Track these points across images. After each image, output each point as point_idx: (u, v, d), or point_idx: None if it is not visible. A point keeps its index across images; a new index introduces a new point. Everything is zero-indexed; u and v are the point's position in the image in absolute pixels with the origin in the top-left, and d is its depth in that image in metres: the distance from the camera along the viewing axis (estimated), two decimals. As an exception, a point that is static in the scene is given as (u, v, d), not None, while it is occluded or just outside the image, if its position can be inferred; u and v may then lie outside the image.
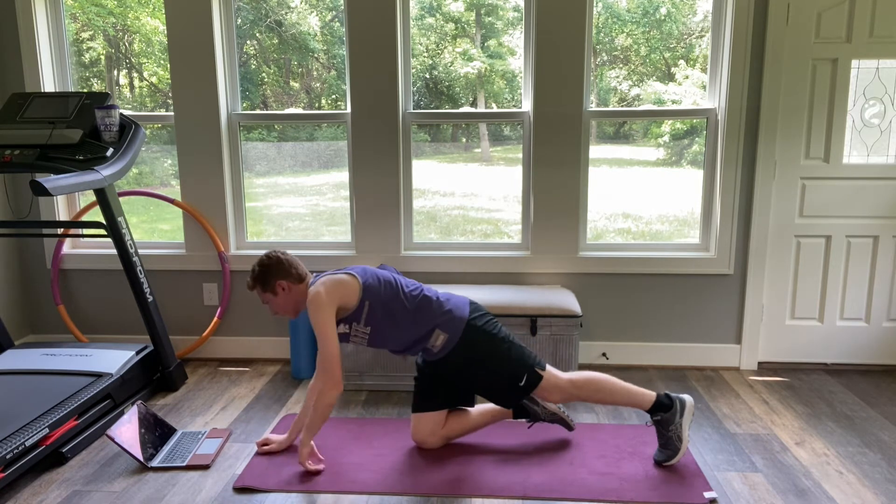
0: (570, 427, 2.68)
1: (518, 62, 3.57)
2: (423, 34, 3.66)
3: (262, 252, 3.61)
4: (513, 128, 3.65)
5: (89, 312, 3.76)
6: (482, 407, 2.68)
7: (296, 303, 2.54)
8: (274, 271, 2.49)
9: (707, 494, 2.29)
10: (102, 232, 3.39)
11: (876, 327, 3.50)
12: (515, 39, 3.65)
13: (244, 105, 3.63)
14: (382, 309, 2.46)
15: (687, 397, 2.52)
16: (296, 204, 3.82)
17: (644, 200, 3.70)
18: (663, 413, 2.48)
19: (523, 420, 2.73)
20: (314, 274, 2.61)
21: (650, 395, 2.50)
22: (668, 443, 2.48)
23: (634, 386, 2.54)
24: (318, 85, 3.90)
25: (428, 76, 3.69)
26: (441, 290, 3.15)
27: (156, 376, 3.25)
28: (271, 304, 2.53)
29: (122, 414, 2.91)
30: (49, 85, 3.56)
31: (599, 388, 2.49)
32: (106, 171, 2.85)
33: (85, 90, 3.70)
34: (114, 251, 3.63)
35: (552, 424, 2.80)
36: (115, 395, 2.92)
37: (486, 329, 2.50)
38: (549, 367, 2.52)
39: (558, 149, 3.41)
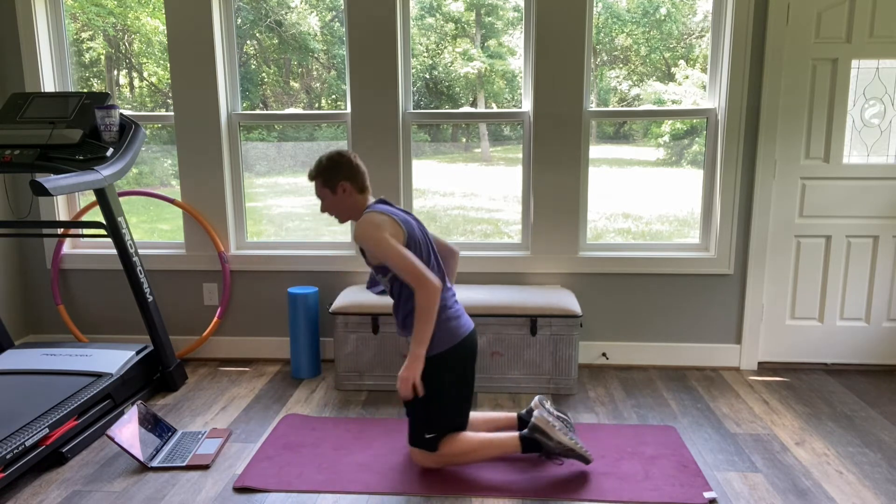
0: (587, 461, 2.42)
1: (518, 62, 3.57)
2: (423, 34, 3.66)
3: (262, 252, 3.62)
4: (513, 128, 3.65)
5: (89, 312, 3.76)
6: (486, 436, 2.48)
7: (348, 210, 2.45)
8: (341, 170, 2.40)
9: (707, 494, 2.29)
10: (102, 232, 3.39)
11: (876, 327, 3.50)
12: (515, 39, 3.65)
13: (244, 105, 3.63)
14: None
15: (537, 417, 2.43)
16: (296, 204, 3.82)
17: (644, 200, 3.70)
18: (539, 449, 2.44)
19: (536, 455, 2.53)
20: (374, 202, 2.49)
21: (514, 438, 2.44)
22: (568, 454, 2.42)
23: (495, 435, 2.46)
24: (318, 85, 3.90)
25: (428, 76, 3.69)
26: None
27: (156, 376, 3.25)
28: (325, 201, 2.45)
29: (122, 414, 2.91)
30: (49, 85, 3.56)
31: (464, 452, 2.42)
32: (106, 171, 2.85)
33: (85, 90, 3.70)
34: (114, 251, 3.63)
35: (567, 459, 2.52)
36: (115, 395, 2.92)
37: (458, 365, 2.39)
38: (445, 446, 2.41)
39: (558, 149, 3.41)
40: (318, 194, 2.46)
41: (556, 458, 2.47)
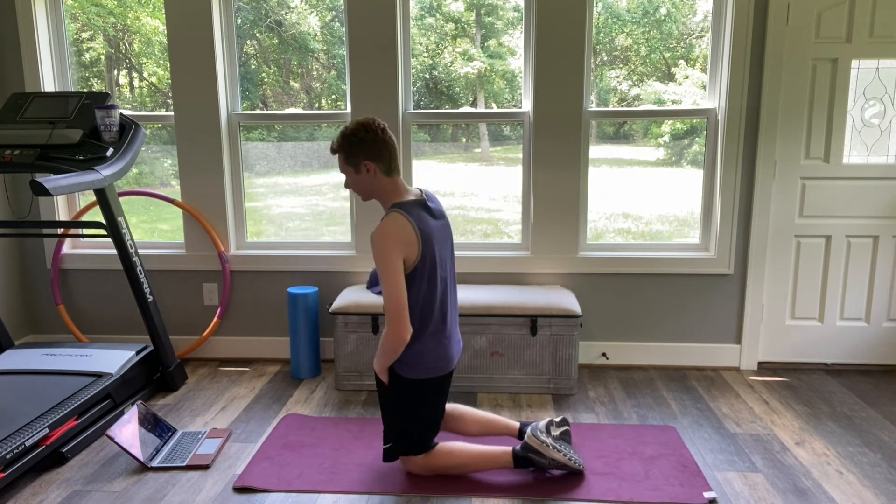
0: (579, 470, 2.41)
1: (518, 62, 3.57)
2: (423, 34, 3.66)
3: (262, 252, 3.62)
4: (513, 128, 3.65)
5: (89, 312, 3.76)
6: (476, 447, 2.43)
7: (372, 191, 2.26)
8: (366, 148, 2.18)
9: (707, 494, 2.29)
10: (102, 232, 3.39)
11: (876, 327, 3.50)
12: (515, 39, 3.65)
13: (244, 105, 3.63)
14: (415, 287, 2.24)
15: (529, 437, 2.36)
16: (296, 204, 3.82)
17: (644, 200, 3.70)
18: (532, 465, 2.39)
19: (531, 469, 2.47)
20: (410, 189, 2.31)
21: (507, 454, 2.38)
22: (561, 468, 2.39)
23: (488, 450, 2.39)
24: (318, 85, 3.90)
25: (428, 76, 3.69)
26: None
27: (156, 376, 3.25)
28: (347, 175, 2.27)
29: (122, 414, 2.91)
30: (49, 85, 3.56)
31: (455, 466, 2.38)
32: (106, 171, 2.85)
33: (85, 90, 3.70)
34: (114, 251, 3.63)
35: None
36: (115, 395, 2.92)
37: (433, 394, 2.33)
38: (424, 455, 2.36)
39: (558, 149, 3.41)
40: (342, 170, 2.28)
41: (549, 471, 2.45)
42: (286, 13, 3.68)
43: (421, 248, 2.19)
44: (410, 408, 2.33)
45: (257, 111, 3.67)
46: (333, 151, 2.26)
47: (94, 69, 3.80)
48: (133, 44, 3.84)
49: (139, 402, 2.68)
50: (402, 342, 2.18)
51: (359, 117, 2.32)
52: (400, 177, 2.29)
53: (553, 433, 2.40)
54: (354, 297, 3.27)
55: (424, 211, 2.26)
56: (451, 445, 2.41)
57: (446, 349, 2.33)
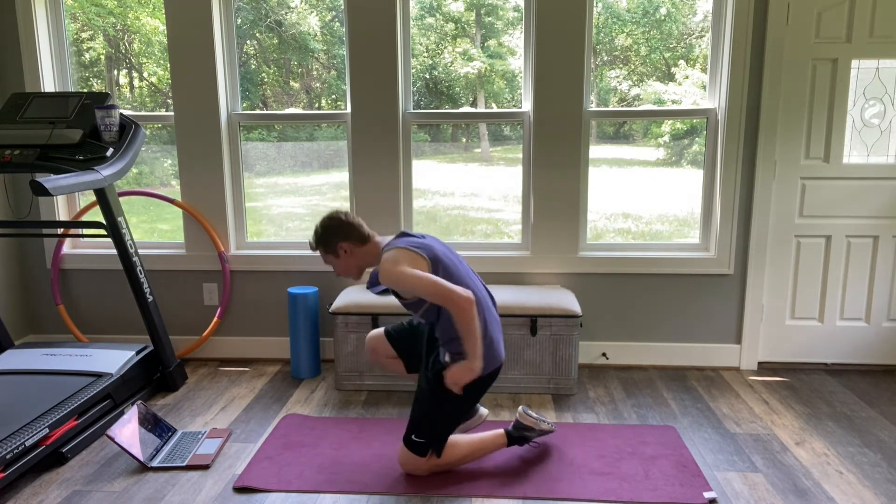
0: (553, 430, 2.62)
1: (518, 62, 3.57)
2: (423, 34, 3.66)
3: (262, 252, 3.62)
4: (513, 128, 3.65)
5: (89, 312, 3.76)
6: (474, 437, 2.52)
7: (358, 266, 2.46)
8: (335, 233, 2.41)
9: (707, 494, 2.29)
10: (102, 232, 3.39)
11: (876, 327, 3.50)
12: (515, 39, 3.65)
13: (244, 105, 3.63)
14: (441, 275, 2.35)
15: (521, 415, 2.54)
16: (296, 204, 3.82)
17: (644, 200, 3.70)
18: (524, 442, 2.55)
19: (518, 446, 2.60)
20: (387, 237, 2.51)
21: (500, 436, 2.51)
22: (544, 434, 2.58)
23: (481, 437, 2.49)
24: (318, 85, 3.90)
25: (428, 76, 3.69)
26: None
27: (156, 376, 3.25)
28: (334, 266, 2.47)
29: (122, 414, 2.91)
30: (49, 85, 3.56)
31: (452, 462, 2.45)
32: (106, 171, 2.85)
33: (85, 90, 3.70)
34: (114, 251, 3.63)
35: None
36: (115, 395, 2.92)
37: (475, 390, 2.39)
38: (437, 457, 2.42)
39: (558, 149, 3.41)
40: (325, 261, 2.49)
41: (533, 441, 2.62)
42: (286, 13, 3.68)
43: (427, 257, 2.33)
44: (456, 407, 2.39)
45: (257, 111, 3.67)
46: (313, 248, 2.48)
47: (94, 69, 3.80)
48: (133, 44, 3.84)
49: (139, 402, 2.68)
50: (468, 303, 2.18)
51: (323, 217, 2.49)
52: (374, 236, 2.46)
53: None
54: (354, 297, 3.27)
55: (407, 236, 2.46)
56: (452, 439, 2.48)
57: (493, 347, 2.39)
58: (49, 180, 2.51)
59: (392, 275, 2.25)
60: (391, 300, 3.20)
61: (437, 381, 2.37)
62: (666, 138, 3.74)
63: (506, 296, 3.24)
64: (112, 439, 2.46)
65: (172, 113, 3.52)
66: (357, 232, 2.43)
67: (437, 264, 2.34)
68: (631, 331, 3.57)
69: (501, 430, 2.54)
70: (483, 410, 2.71)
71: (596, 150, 3.54)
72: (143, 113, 3.70)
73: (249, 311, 3.69)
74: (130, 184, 3.83)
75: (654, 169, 3.72)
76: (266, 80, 3.82)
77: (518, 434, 2.52)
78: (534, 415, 2.57)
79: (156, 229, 3.94)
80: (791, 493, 2.33)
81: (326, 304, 3.64)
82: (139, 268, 3.13)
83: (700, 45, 3.52)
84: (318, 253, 2.46)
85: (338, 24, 3.70)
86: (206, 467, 2.52)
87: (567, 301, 3.20)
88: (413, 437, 2.39)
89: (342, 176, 3.70)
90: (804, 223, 3.43)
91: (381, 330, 2.70)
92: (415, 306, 2.39)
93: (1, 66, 3.55)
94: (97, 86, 3.77)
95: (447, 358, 2.36)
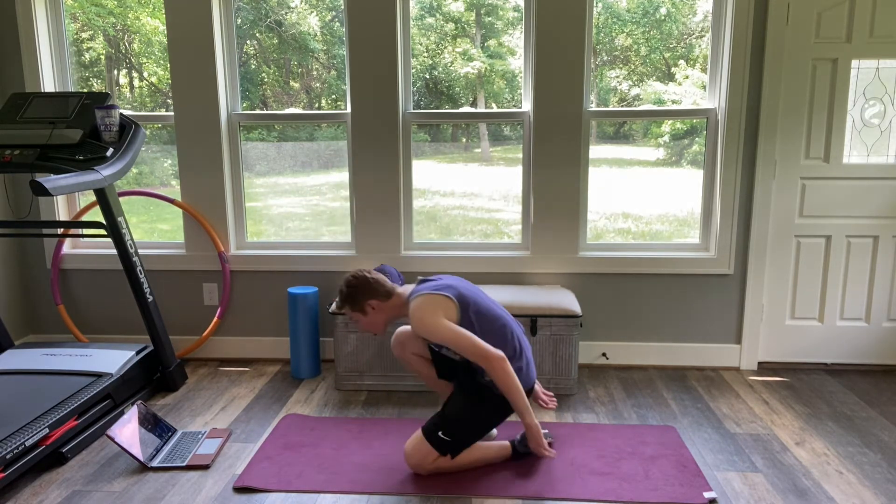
0: (551, 442, 2.67)
1: (518, 62, 3.57)
2: (423, 34, 3.66)
3: (262, 252, 3.62)
4: (513, 128, 3.65)
5: (89, 312, 3.76)
6: (482, 445, 2.52)
7: (385, 320, 2.55)
8: (363, 291, 2.49)
9: (707, 494, 2.29)
10: (102, 232, 3.39)
11: (876, 327, 3.50)
12: (515, 39, 3.65)
13: (244, 105, 3.63)
14: (474, 329, 2.43)
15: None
16: (296, 204, 3.82)
17: (644, 200, 3.70)
18: (528, 455, 2.56)
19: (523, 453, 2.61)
20: (408, 286, 2.58)
21: (506, 448, 2.53)
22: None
23: (490, 444, 2.52)
24: (318, 85, 3.90)
25: (428, 76, 3.69)
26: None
27: (156, 376, 3.25)
28: (360, 323, 2.54)
29: (122, 414, 2.91)
30: (49, 85, 3.56)
31: (459, 466, 2.46)
32: (106, 171, 2.85)
33: (85, 90, 3.70)
34: (114, 251, 3.63)
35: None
36: (115, 395, 2.92)
37: (507, 410, 2.48)
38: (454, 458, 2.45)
39: (558, 149, 3.41)
40: (352, 318, 2.55)
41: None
42: (286, 13, 3.68)
43: (457, 303, 2.40)
44: (486, 420, 2.47)
45: (257, 111, 3.67)
46: (339, 309, 2.54)
47: (94, 69, 3.80)
48: (133, 44, 3.84)
49: (139, 402, 2.68)
50: (500, 362, 2.31)
51: (344, 277, 2.55)
52: (396, 288, 2.54)
53: None
54: (354, 297, 3.27)
55: (425, 281, 2.52)
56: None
57: (523, 371, 2.48)
58: (49, 180, 2.51)
59: (425, 326, 2.34)
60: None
61: (477, 395, 2.44)
62: (666, 138, 3.74)
63: (506, 296, 3.24)
64: (112, 439, 2.46)
65: (172, 113, 3.52)
66: (382, 288, 2.50)
67: (466, 303, 2.42)
68: (631, 331, 3.57)
69: (508, 443, 2.55)
70: (493, 430, 2.73)
71: (596, 150, 3.54)
72: (143, 113, 3.70)
73: (249, 311, 3.69)
74: (130, 184, 3.83)
75: (654, 169, 3.72)
76: (266, 80, 3.82)
77: (524, 450, 2.54)
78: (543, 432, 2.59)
79: (156, 229, 3.94)
80: (791, 493, 2.33)
81: (326, 304, 3.64)
82: (139, 268, 3.13)
83: (700, 45, 3.52)
84: (343, 313, 2.59)
85: (338, 24, 3.70)
86: (206, 467, 2.52)
87: (567, 301, 3.20)
88: (441, 433, 2.41)
89: (342, 176, 3.70)
90: (804, 223, 3.43)
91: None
92: (445, 346, 2.46)
93: (1, 66, 3.55)
94: (97, 86, 3.77)
95: (487, 378, 2.43)
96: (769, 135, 3.32)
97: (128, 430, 2.54)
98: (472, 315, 2.41)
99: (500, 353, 2.32)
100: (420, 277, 2.59)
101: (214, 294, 3.67)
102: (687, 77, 3.58)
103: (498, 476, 2.43)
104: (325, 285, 3.61)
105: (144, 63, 3.88)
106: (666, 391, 3.23)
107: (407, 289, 2.56)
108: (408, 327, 2.74)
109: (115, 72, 3.86)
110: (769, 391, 3.23)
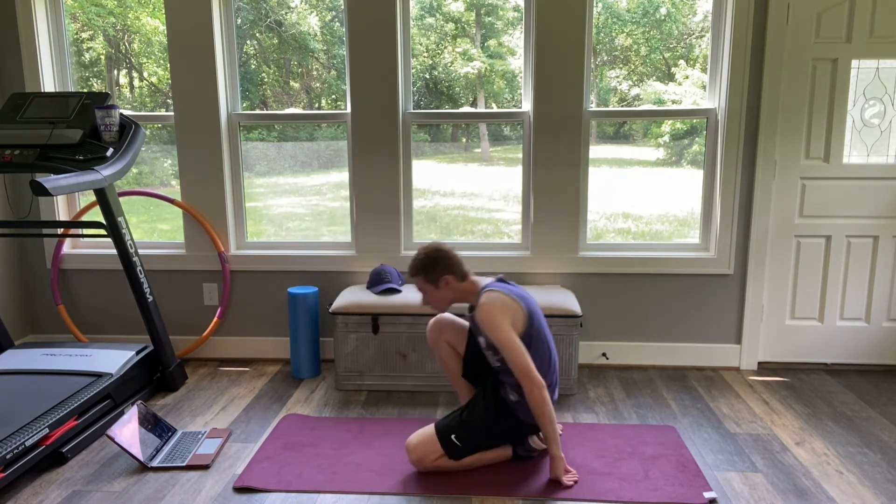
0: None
1: (518, 62, 3.57)
2: (423, 34, 3.66)
3: (262, 252, 3.62)
4: (513, 128, 3.65)
5: (89, 312, 3.76)
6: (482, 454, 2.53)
7: (453, 300, 2.52)
8: (443, 265, 2.45)
9: (707, 494, 2.29)
10: (102, 232, 3.39)
11: (876, 327, 3.50)
12: (515, 39, 3.65)
13: (244, 105, 3.63)
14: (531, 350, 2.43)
15: (532, 439, 2.56)
16: (296, 204, 3.82)
17: (644, 200, 3.70)
18: (528, 459, 2.57)
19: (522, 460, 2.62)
20: (484, 278, 2.56)
21: (508, 452, 2.54)
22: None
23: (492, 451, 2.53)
24: (318, 85, 3.90)
25: (428, 76, 3.69)
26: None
27: (156, 376, 3.25)
28: (428, 295, 2.51)
29: (122, 414, 2.91)
30: (49, 85, 3.56)
31: (470, 461, 2.48)
32: (106, 171, 2.85)
33: (85, 90, 3.70)
34: (114, 251, 3.63)
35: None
36: (115, 395, 2.92)
37: (526, 432, 2.51)
38: (460, 461, 2.47)
39: (558, 149, 3.41)
40: (420, 289, 2.52)
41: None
42: (286, 13, 3.68)
43: (526, 313, 2.40)
44: (501, 435, 2.49)
45: (257, 111, 3.67)
46: (412, 275, 2.49)
47: (94, 69, 3.80)
48: (133, 44, 3.84)
49: (139, 402, 2.68)
50: (540, 391, 2.32)
51: (423, 246, 2.52)
52: (471, 274, 2.51)
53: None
54: (354, 297, 3.27)
55: (503, 282, 2.50)
56: None
57: (557, 382, 2.54)
58: (49, 180, 2.51)
59: (490, 321, 2.33)
60: (392, 300, 3.20)
61: (499, 408, 2.46)
62: (666, 138, 3.74)
63: (506, 296, 3.24)
64: (112, 439, 2.46)
65: (172, 113, 3.52)
66: (459, 268, 2.48)
67: (533, 318, 2.42)
68: (631, 331, 3.57)
69: (510, 446, 2.55)
70: None
71: (596, 150, 3.54)
72: (143, 113, 3.70)
73: (249, 311, 3.69)
74: (130, 184, 3.83)
75: (654, 169, 3.72)
76: (266, 80, 3.82)
77: (525, 454, 2.54)
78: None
79: (156, 229, 3.94)
80: (791, 493, 2.33)
81: (326, 304, 3.64)
82: (139, 268, 3.13)
83: (700, 45, 3.52)
84: (412, 281, 2.55)
85: (338, 24, 3.70)
86: (206, 467, 2.52)
87: (567, 301, 3.20)
88: (454, 436, 2.42)
89: (342, 176, 3.70)
90: (804, 223, 3.43)
91: (459, 318, 2.71)
92: (492, 350, 2.45)
93: (1, 66, 3.55)
94: (97, 86, 3.77)
95: (513, 397, 2.44)
96: (769, 135, 3.32)
97: (128, 430, 2.54)
98: (533, 334, 2.41)
99: (542, 380, 2.32)
100: (500, 276, 2.58)
101: (214, 294, 3.67)
102: (687, 77, 3.58)
103: (498, 476, 2.43)
104: (325, 285, 3.61)
105: (144, 63, 3.88)
106: (666, 391, 3.23)
107: (482, 279, 2.53)
108: (450, 315, 2.73)
109: (115, 72, 3.86)
110: (769, 391, 3.23)
